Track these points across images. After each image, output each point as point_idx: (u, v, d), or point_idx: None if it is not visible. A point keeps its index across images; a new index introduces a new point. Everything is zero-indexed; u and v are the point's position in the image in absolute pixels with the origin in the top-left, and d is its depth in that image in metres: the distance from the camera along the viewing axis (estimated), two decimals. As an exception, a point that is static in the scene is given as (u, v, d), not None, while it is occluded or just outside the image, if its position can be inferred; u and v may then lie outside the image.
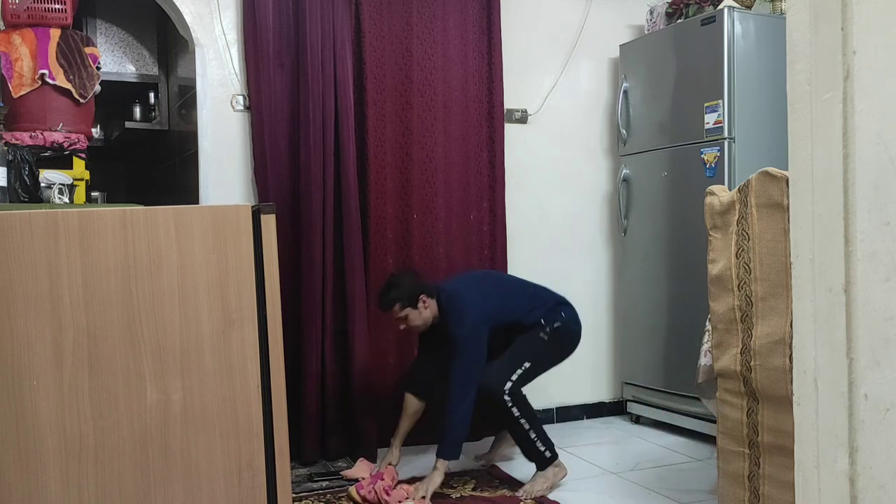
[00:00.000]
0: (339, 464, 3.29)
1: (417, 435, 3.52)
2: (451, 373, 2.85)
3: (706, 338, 2.39)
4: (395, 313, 2.95)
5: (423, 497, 2.74)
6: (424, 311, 2.95)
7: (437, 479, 2.79)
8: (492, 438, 3.50)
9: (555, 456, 2.96)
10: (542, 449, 2.93)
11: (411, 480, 3.00)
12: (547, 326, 3.01)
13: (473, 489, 2.90)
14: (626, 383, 3.94)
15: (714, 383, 2.33)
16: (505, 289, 3.17)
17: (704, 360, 2.41)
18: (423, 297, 2.93)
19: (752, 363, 2.13)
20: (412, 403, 3.11)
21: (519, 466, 3.19)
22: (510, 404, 2.87)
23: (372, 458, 3.29)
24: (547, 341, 3.01)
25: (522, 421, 2.89)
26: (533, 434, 2.91)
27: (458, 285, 3.07)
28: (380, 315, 3.47)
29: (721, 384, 2.26)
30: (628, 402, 3.97)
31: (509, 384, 2.87)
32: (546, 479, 2.92)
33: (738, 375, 2.18)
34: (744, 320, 2.15)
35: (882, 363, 0.80)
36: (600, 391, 4.08)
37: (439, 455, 2.81)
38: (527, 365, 2.92)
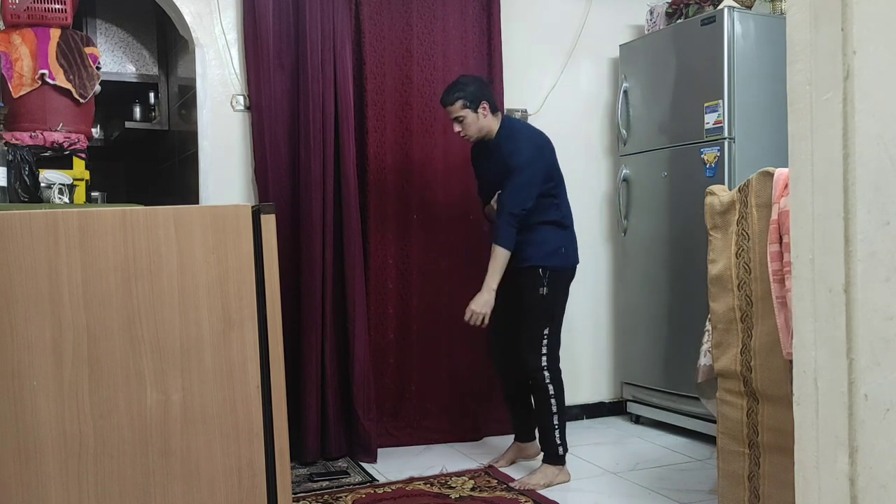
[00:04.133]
0: (339, 464, 3.29)
1: (417, 435, 3.53)
2: (501, 197, 2.94)
3: (706, 338, 2.40)
4: (454, 111, 2.98)
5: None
6: (481, 119, 2.99)
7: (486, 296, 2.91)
8: (493, 440, 3.50)
9: (563, 459, 2.99)
10: (558, 442, 2.98)
11: (409, 481, 3.00)
12: (544, 278, 2.96)
13: (472, 489, 2.90)
14: (626, 383, 3.94)
15: (714, 383, 2.33)
16: (548, 169, 3.09)
17: (704, 360, 2.41)
18: (484, 103, 2.98)
19: (752, 363, 2.13)
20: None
21: (519, 469, 3.18)
22: (547, 380, 2.95)
23: (372, 459, 3.29)
24: (547, 294, 2.97)
25: (552, 401, 2.95)
26: (556, 420, 2.96)
27: (524, 126, 3.12)
28: (380, 315, 3.48)
29: (721, 384, 2.26)
30: (628, 402, 3.97)
31: (543, 359, 2.95)
32: (545, 475, 2.94)
33: (738, 375, 2.18)
34: (744, 320, 2.16)
35: (882, 363, 0.80)
36: (600, 391, 4.07)
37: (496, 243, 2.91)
38: (546, 331, 2.96)
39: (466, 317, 2.92)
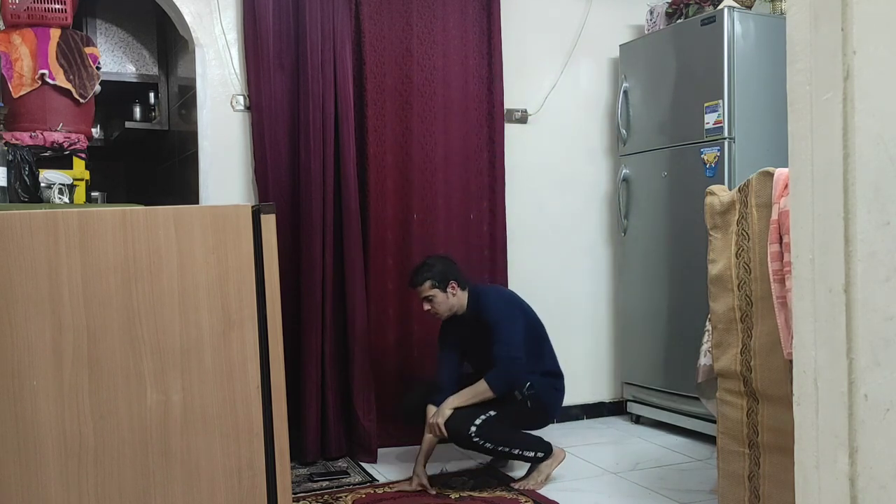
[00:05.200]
0: (339, 464, 3.29)
1: (417, 435, 3.52)
2: (493, 356, 2.89)
3: (706, 338, 2.39)
4: (423, 291, 2.98)
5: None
6: (451, 298, 2.98)
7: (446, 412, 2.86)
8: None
9: (547, 452, 2.97)
10: (531, 454, 2.95)
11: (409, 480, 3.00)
12: (528, 391, 2.95)
13: (472, 489, 2.89)
14: (626, 383, 3.94)
15: (714, 383, 2.33)
16: (527, 320, 3.09)
17: (704, 360, 2.41)
18: (453, 283, 2.97)
19: (752, 363, 2.13)
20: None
21: (521, 467, 3.18)
22: (481, 442, 2.85)
23: (372, 459, 3.29)
24: (519, 401, 2.94)
25: (500, 448, 2.90)
26: (516, 451, 2.93)
27: (490, 287, 3.21)
28: (380, 315, 3.48)
29: (721, 384, 2.26)
30: (628, 402, 3.97)
31: (474, 428, 2.82)
32: (540, 472, 2.95)
33: (738, 375, 2.18)
34: (744, 320, 2.15)
35: (882, 363, 0.80)
36: (600, 391, 4.08)
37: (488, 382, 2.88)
38: (491, 413, 2.86)
39: (430, 421, 2.88)
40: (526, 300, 3.81)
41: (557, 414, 3.16)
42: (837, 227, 0.84)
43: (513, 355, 2.88)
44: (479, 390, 2.87)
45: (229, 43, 3.36)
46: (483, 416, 2.85)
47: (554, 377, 3.08)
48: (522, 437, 2.98)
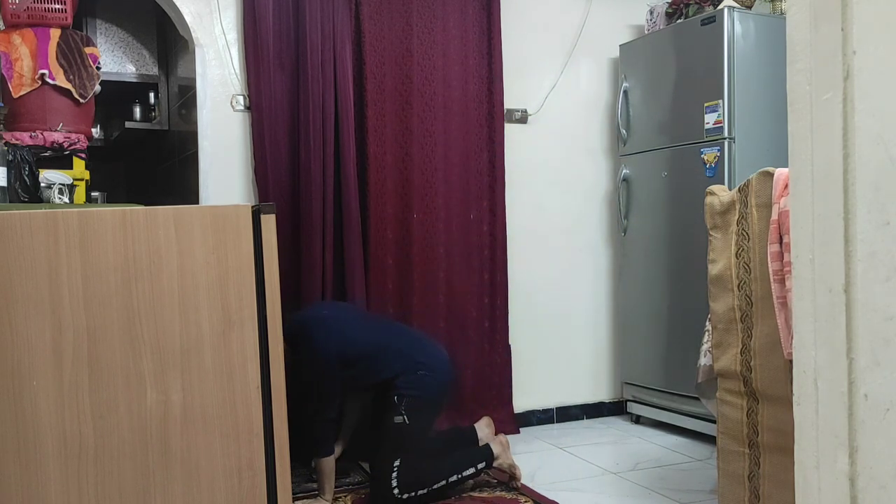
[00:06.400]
0: (339, 464, 3.28)
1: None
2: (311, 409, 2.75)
3: (706, 338, 2.40)
4: None
5: None
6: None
7: None
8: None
9: (488, 458, 2.86)
10: (474, 469, 2.81)
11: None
12: (401, 406, 2.73)
13: (472, 489, 2.89)
14: (626, 383, 3.94)
15: (714, 383, 2.33)
16: (360, 324, 2.95)
17: (704, 360, 2.41)
18: None
19: (752, 363, 2.13)
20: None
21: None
22: (415, 494, 2.67)
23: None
24: (407, 423, 2.73)
25: (436, 487, 2.71)
26: (454, 477, 2.75)
27: (301, 330, 2.85)
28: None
29: (721, 384, 2.26)
30: (628, 402, 3.97)
31: (395, 490, 2.65)
32: (504, 471, 2.90)
33: (738, 375, 2.18)
34: (744, 320, 2.15)
35: (882, 363, 0.80)
36: (600, 391, 4.08)
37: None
38: (397, 463, 2.66)
39: None
40: (526, 300, 3.84)
41: (447, 391, 2.92)
42: (837, 227, 0.84)
43: (317, 417, 2.71)
44: (323, 467, 2.74)
45: (229, 43, 3.36)
46: (394, 474, 2.64)
47: (414, 371, 2.80)
48: (456, 462, 2.81)
